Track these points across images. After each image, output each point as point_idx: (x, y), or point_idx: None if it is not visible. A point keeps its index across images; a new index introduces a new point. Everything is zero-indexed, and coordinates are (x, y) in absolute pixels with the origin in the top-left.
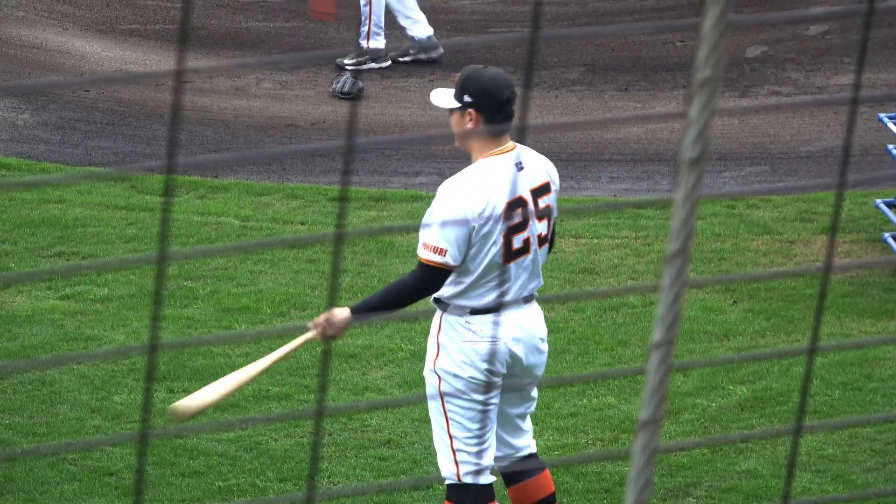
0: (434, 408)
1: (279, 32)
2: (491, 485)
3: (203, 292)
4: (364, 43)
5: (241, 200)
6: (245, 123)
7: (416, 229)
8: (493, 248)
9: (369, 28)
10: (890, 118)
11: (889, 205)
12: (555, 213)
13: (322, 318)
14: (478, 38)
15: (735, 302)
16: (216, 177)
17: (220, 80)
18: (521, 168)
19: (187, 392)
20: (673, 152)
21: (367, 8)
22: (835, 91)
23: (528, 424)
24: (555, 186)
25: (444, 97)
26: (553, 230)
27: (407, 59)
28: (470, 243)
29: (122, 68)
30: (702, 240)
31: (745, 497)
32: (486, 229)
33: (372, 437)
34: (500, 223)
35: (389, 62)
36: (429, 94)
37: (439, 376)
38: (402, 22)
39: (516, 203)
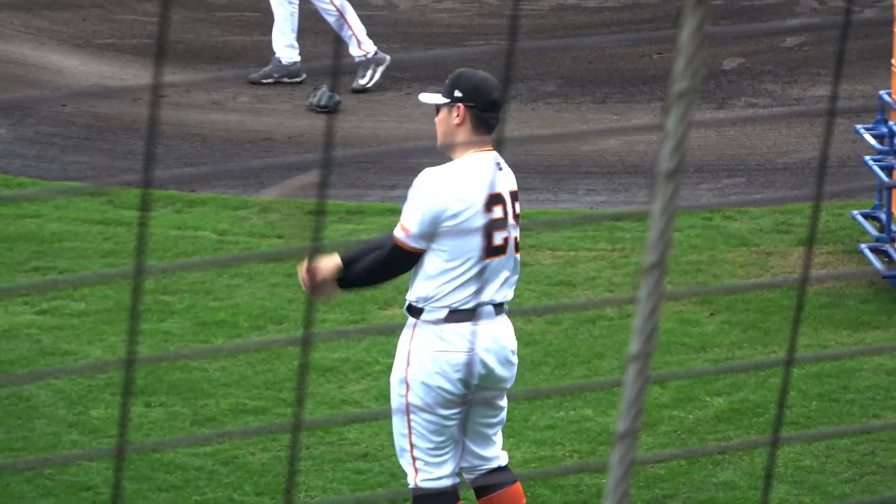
0: (398, 417)
1: (256, 46)
2: (451, 489)
3: (180, 306)
4: (358, 51)
5: (218, 214)
6: (222, 137)
7: None
8: (475, 241)
9: (354, 36)
10: (867, 129)
11: (866, 216)
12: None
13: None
14: (455, 50)
15: (712, 314)
16: (193, 191)
17: (197, 94)
18: (501, 168)
19: (164, 406)
20: (650, 164)
21: (340, 21)
22: (811, 103)
23: (497, 436)
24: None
25: (432, 96)
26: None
27: (269, 80)
28: (437, 226)
29: (99, 83)
30: (679, 252)
31: None
32: (463, 220)
33: (349, 450)
34: (482, 216)
35: (304, 76)
36: (405, 108)
37: (408, 386)
38: (276, 44)
39: (497, 199)
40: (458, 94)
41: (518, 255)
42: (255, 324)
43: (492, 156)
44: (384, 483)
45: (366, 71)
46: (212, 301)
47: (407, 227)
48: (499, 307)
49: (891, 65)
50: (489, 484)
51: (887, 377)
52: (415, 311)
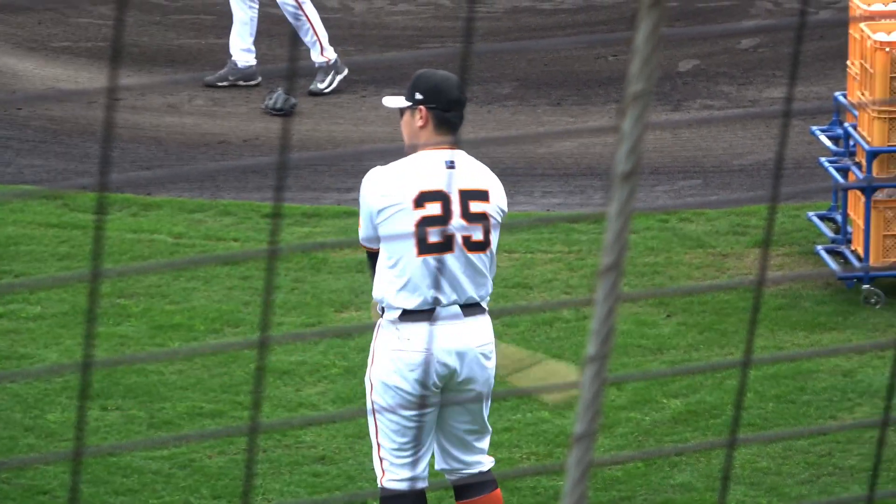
0: (368, 416)
1: (211, 49)
2: (413, 492)
3: (136, 310)
4: (320, 58)
5: (174, 217)
6: (177, 140)
7: (350, 245)
8: (406, 239)
9: (319, 42)
10: (822, 131)
11: (821, 217)
12: (495, 231)
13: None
14: (410, 53)
15: (668, 316)
16: (149, 194)
17: (153, 97)
18: (452, 166)
19: (121, 410)
20: (606, 166)
21: (307, 24)
22: (767, 104)
23: (481, 442)
24: (496, 201)
25: (394, 99)
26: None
27: (225, 84)
28: (374, 225)
29: (54, 86)
30: (635, 254)
31: None
32: (390, 215)
33: (306, 453)
34: (411, 211)
35: (260, 79)
36: (360, 110)
37: (372, 384)
38: (233, 47)
39: (433, 195)
40: (418, 96)
41: (475, 255)
42: (211, 327)
43: (444, 154)
44: (341, 486)
45: (325, 76)
46: (168, 304)
47: (359, 228)
48: (468, 308)
49: (846, 66)
50: (468, 488)
51: (843, 378)
52: (382, 311)
